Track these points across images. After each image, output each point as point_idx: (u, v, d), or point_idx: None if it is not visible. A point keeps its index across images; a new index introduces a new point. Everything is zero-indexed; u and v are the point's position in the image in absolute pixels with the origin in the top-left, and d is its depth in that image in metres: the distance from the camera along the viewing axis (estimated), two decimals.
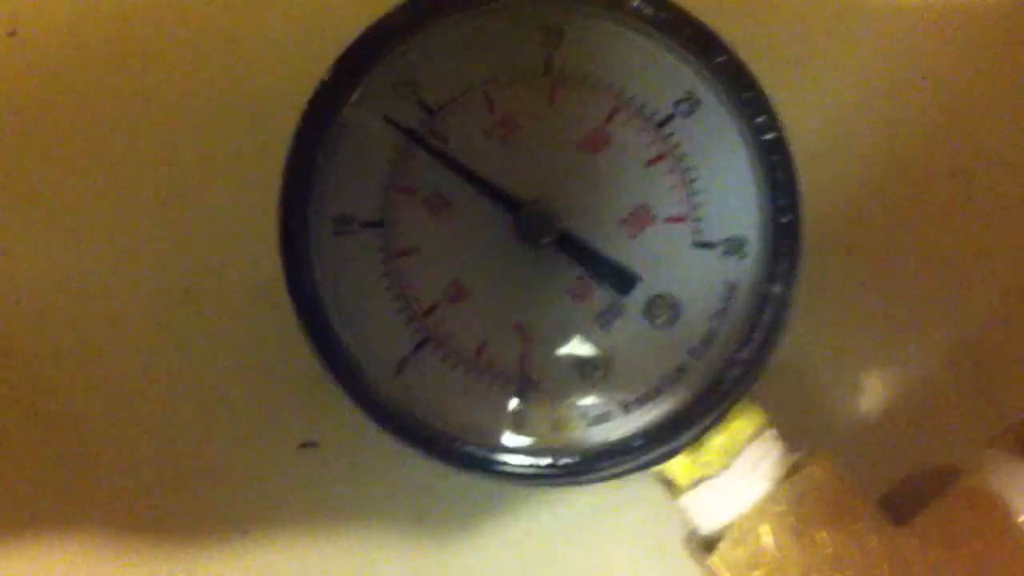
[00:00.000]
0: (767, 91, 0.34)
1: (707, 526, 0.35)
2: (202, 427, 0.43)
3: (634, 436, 0.32)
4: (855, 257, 0.43)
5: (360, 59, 0.33)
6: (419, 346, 0.33)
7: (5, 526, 0.43)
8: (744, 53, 0.36)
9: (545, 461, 0.33)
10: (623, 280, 0.33)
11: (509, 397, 0.33)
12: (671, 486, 0.35)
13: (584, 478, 0.34)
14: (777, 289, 0.32)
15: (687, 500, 0.34)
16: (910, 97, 0.43)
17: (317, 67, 0.36)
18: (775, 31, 0.43)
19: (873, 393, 0.43)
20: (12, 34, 0.44)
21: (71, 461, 0.43)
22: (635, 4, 0.33)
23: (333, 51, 0.35)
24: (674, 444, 0.33)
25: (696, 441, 0.33)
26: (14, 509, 0.43)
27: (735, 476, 0.34)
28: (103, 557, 0.42)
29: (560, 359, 0.34)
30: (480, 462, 0.33)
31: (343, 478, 0.42)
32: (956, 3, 0.44)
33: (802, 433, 0.36)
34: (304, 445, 0.42)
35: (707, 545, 0.34)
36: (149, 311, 0.43)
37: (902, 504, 0.35)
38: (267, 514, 0.42)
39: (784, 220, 0.32)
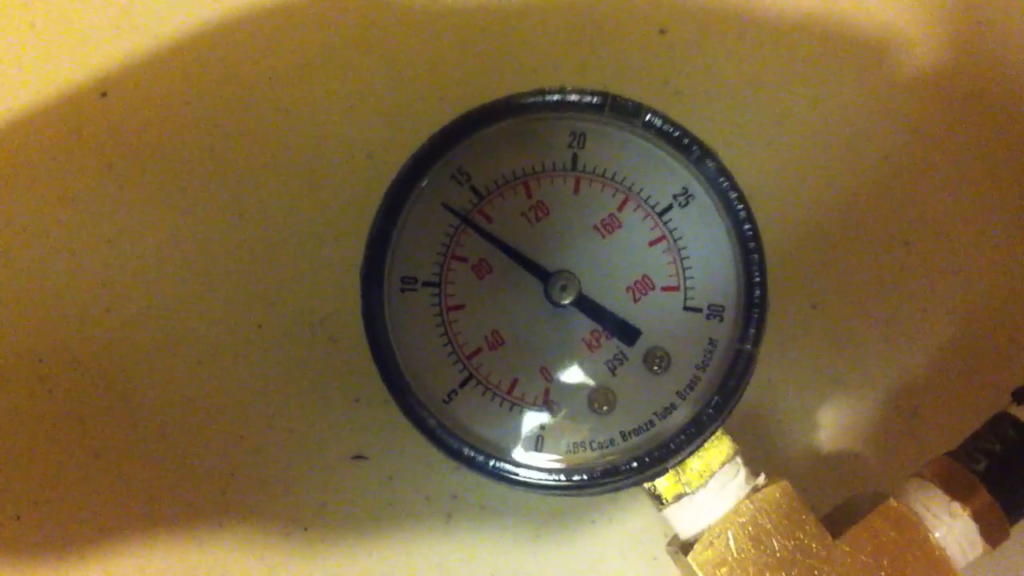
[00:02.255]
0: (745, 170, 0.38)
1: (685, 532, 0.39)
2: (269, 440, 0.46)
3: (631, 459, 0.37)
4: (818, 311, 0.46)
5: (429, 155, 0.38)
6: (464, 382, 0.38)
7: (100, 523, 0.46)
8: (724, 135, 0.41)
9: (559, 477, 0.37)
10: (628, 333, 0.38)
11: (534, 425, 0.38)
12: (658, 499, 0.39)
13: (588, 491, 0.38)
14: (748, 347, 0.37)
15: (670, 511, 0.39)
16: (869, 174, 0.47)
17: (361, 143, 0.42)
18: (751, 116, 0.47)
19: (825, 429, 0.46)
20: (104, 95, 0.47)
21: (157, 467, 0.46)
22: (647, 119, 0.38)
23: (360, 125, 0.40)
24: (662, 466, 0.37)
25: (679, 464, 0.38)
26: (107, 507, 0.46)
27: (709, 493, 0.38)
28: (185, 547, 0.46)
29: (575, 396, 0.38)
30: (508, 475, 0.37)
31: (385, 486, 0.46)
32: (913, 91, 0.47)
33: (764, 461, 0.40)
34: (356, 457, 0.45)
35: (684, 548, 0.39)
36: (227, 340, 0.46)
37: (841, 521, 0.39)
38: (322, 514, 0.46)
39: (756, 294, 0.37)
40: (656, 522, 0.45)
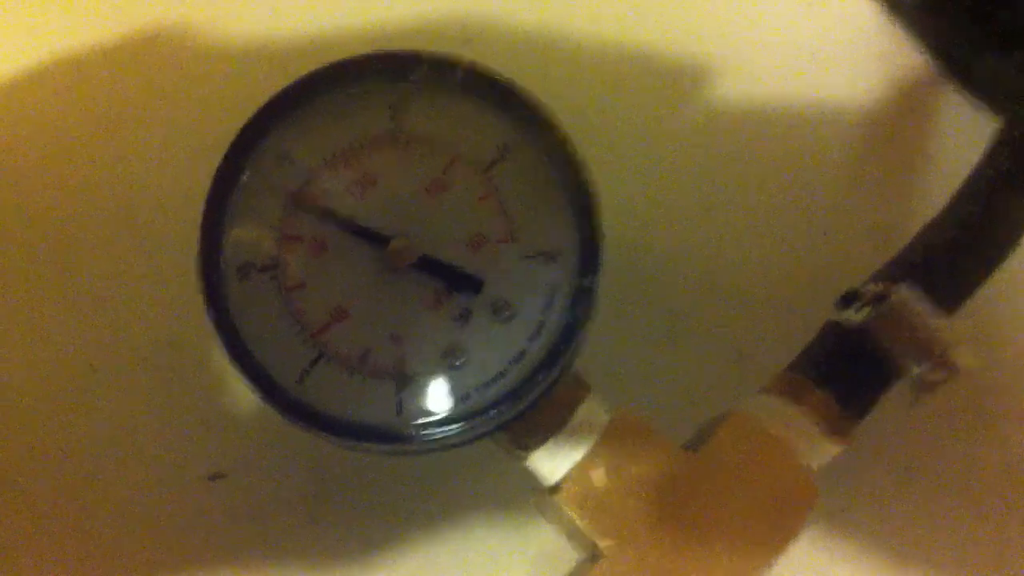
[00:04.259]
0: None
1: (549, 478, 0.40)
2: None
3: (490, 406, 0.38)
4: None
5: (249, 138, 0.38)
6: (315, 360, 0.38)
7: None
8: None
9: (422, 434, 0.38)
10: (471, 284, 0.39)
11: (391, 391, 0.39)
12: (521, 447, 0.40)
13: (454, 440, 0.39)
14: (585, 282, 0.38)
15: (533, 458, 0.40)
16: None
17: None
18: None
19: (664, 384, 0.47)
20: None
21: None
22: (459, 76, 0.39)
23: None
24: (520, 408, 0.39)
25: (536, 407, 0.39)
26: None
27: (568, 434, 0.39)
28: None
29: (429, 356, 0.39)
30: (376, 439, 0.38)
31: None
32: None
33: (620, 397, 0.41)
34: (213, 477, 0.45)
35: (551, 493, 0.40)
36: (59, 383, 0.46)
37: (697, 444, 0.41)
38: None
39: (588, 233, 0.39)
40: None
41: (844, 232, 0.49)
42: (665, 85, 0.49)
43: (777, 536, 0.39)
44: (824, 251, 0.49)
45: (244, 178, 0.39)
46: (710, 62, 0.49)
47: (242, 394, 0.45)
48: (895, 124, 0.50)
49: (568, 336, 0.39)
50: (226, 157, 0.38)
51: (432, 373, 0.39)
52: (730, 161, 0.49)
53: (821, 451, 0.41)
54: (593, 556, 0.39)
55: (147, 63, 0.48)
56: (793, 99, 0.50)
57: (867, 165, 0.50)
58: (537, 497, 0.42)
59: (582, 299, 0.39)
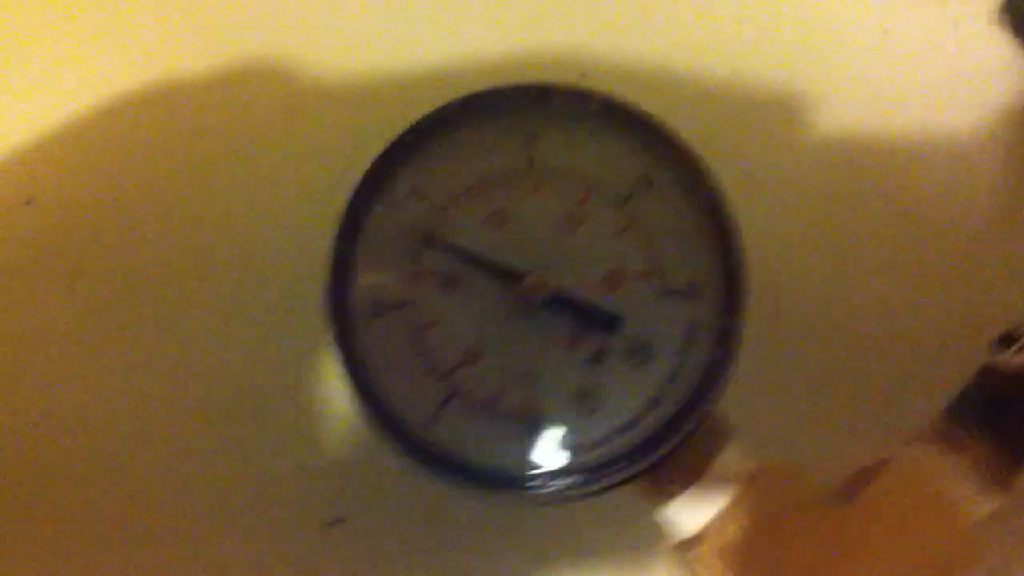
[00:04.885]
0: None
1: (690, 527, 0.38)
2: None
3: (625, 454, 0.37)
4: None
5: (380, 173, 0.38)
6: (446, 400, 0.37)
7: None
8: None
9: (557, 481, 0.37)
10: (608, 322, 0.37)
11: (524, 432, 0.37)
12: (660, 497, 0.38)
13: (589, 489, 0.38)
14: (730, 321, 0.37)
15: (675, 507, 0.38)
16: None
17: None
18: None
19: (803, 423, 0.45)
20: (29, 202, 0.46)
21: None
22: (594, 108, 0.39)
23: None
24: (656, 456, 0.37)
25: (676, 453, 0.37)
26: None
27: (710, 483, 0.37)
28: None
29: (562, 397, 0.37)
30: (505, 485, 0.37)
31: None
32: None
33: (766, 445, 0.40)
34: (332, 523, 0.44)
35: (693, 543, 0.38)
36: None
37: (847, 492, 0.38)
38: None
39: (732, 264, 0.37)
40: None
41: (991, 271, 0.47)
42: (788, 117, 0.49)
43: None
44: (971, 291, 0.47)
45: (375, 214, 0.39)
46: (840, 91, 0.48)
47: (361, 439, 0.45)
48: None
49: (711, 379, 0.37)
50: (357, 193, 0.38)
51: (564, 417, 0.38)
52: (867, 197, 0.48)
53: (982, 503, 0.39)
54: None
55: (267, 98, 0.48)
56: (933, 132, 0.48)
57: (1015, 199, 0.48)
58: (676, 546, 0.40)
59: (726, 338, 0.37)
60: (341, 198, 0.38)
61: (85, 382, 0.45)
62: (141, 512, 0.44)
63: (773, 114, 0.48)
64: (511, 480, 0.37)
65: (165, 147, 0.47)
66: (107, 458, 0.44)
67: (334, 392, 0.43)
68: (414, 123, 0.38)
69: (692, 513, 0.38)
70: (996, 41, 0.49)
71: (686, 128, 0.39)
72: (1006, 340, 0.41)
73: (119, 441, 0.45)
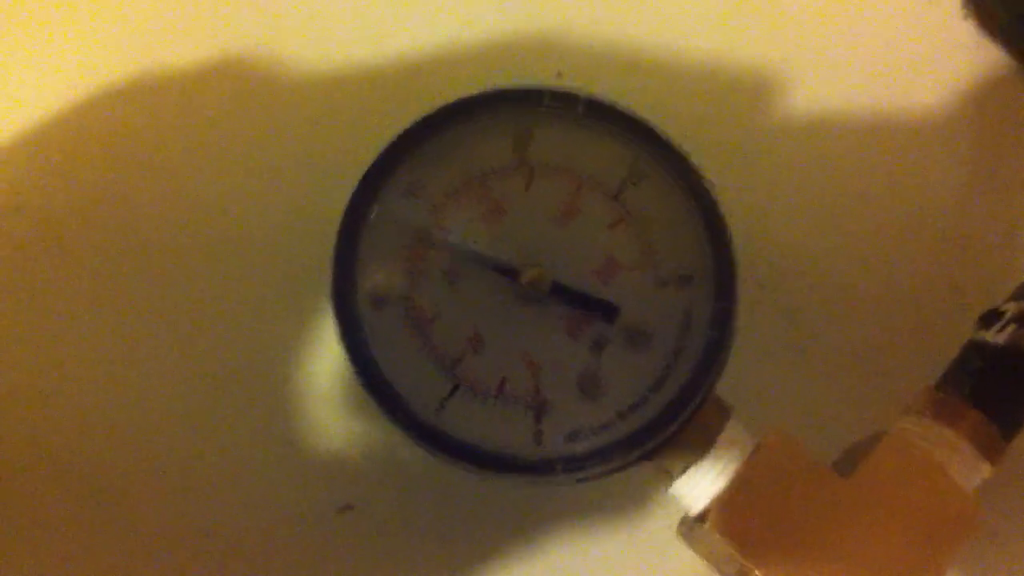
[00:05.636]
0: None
1: (696, 505, 0.39)
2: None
3: (631, 435, 0.38)
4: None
5: (379, 173, 0.39)
6: (453, 390, 0.38)
7: None
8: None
9: (562, 465, 0.38)
10: (605, 311, 0.39)
11: (530, 419, 0.38)
12: (666, 475, 0.39)
13: (596, 471, 0.38)
14: (723, 304, 0.38)
15: (678, 485, 0.39)
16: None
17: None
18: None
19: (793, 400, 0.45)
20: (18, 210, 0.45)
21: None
22: (580, 108, 0.39)
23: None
24: (660, 438, 0.38)
25: (680, 432, 0.38)
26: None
27: (713, 460, 0.38)
28: None
29: (565, 383, 0.39)
30: (515, 470, 0.38)
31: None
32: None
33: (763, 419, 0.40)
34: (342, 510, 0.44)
35: (699, 520, 0.39)
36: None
37: (846, 466, 0.39)
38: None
39: (724, 253, 0.38)
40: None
41: (971, 241, 0.48)
42: (772, 95, 0.49)
43: (936, 561, 0.38)
44: (952, 263, 0.48)
45: (374, 212, 0.39)
46: (818, 69, 0.49)
47: (370, 426, 0.45)
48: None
49: (709, 360, 0.38)
50: (357, 191, 0.39)
51: (570, 403, 0.39)
52: (854, 170, 0.48)
53: (976, 474, 0.40)
54: None
55: (267, 97, 0.48)
56: (909, 107, 0.49)
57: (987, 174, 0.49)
58: (682, 524, 0.41)
59: (721, 321, 0.38)
60: (340, 198, 0.39)
61: (85, 383, 0.45)
62: (148, 501, 0.44)
63: (750, 93, 0.48)
64: (522, 465, 0.38)
65: (160, 148, 0.47)
66: (112, 452, 0.45)
67: (344, 381, 0.44)
68: (411, 124, 0.39)
69: (697, 491, 0.39)
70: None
71: (663, 111, 0.40)
72: (990, 318, 0.42)
73: (122, 437, 0.45)
